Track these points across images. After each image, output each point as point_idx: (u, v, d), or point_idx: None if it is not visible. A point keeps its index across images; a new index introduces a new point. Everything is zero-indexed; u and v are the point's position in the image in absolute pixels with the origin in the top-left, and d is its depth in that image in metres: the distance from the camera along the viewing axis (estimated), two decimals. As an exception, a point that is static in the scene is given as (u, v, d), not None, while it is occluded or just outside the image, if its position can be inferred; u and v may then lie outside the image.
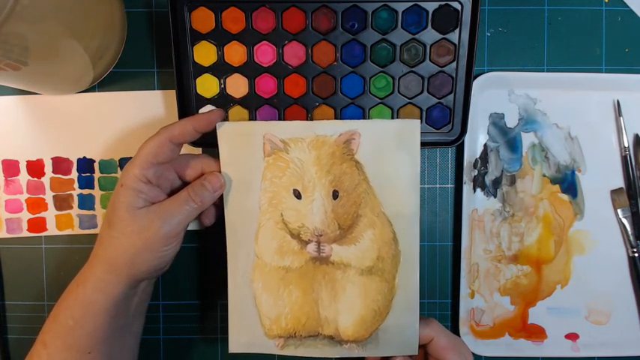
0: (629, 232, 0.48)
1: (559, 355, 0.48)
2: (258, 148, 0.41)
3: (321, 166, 0.40)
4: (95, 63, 0.44)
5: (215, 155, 0.41)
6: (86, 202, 0.49)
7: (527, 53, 0.48)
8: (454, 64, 0.43)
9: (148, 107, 0.48)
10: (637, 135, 0.48)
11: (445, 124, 0.45)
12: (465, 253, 0.47)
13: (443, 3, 0.42)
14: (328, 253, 0.41)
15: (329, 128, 0.40)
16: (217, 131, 0.40)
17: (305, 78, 0.44)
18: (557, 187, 0.48)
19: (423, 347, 0.42)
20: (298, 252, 0.42)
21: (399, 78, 0.44)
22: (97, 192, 0.49)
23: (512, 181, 0.48)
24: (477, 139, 0.48)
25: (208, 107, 0.45)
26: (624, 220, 0.48)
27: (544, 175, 0.48)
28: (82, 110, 0.48)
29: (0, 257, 0.49)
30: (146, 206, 0.38)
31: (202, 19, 0.43)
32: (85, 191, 0.49)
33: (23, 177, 0.48)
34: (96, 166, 0.48)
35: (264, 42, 0.44)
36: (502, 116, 0.48)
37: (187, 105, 0.44)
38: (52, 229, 0.49)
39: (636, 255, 0.48)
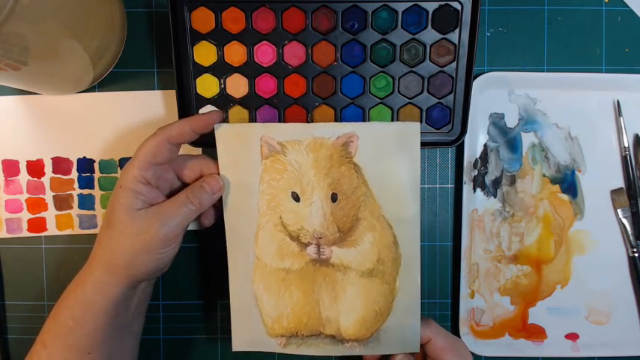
0: (629, 232, 0.48)
1: (559, 355, 0.48)
2: (255, 150, 0.41)
3: (319, 169, 0.40)
4: (95, 63, 0.44)
5: (215, 156, 0.41)
6: (86, 202, 0.49)
7: (527, 53, 0.48)
8: (454, 64, 0.43)
9: (148, 107, 0.48)
10: (637, 135, 0.48)
11: (445, 124, 0.45)
12: (465, 253, 0.47)
13: (443, 3, 0.42)
14: (328, 255, 0.41)
15: (327, 131, 0.40)
16: (215, 133, 0.40)
17: (305, 78, 0.44)
18: (557, 187, 0.48)
19: (421, 348, 0.42)
20: (298, 254, 0.42)
21: (399, 78, 0.44)
22: (97, 192, 0.49)
23: (512, 181, 0.48)
24: (476, 139, 0.48)
25: (208, 107, 0.44)
26: (624, 220, 0.48)
27: (544, 175, 0.48)
28: (82, 110, 0.48)
29: (0, 257, 0.49)
30: (144, 208, 0.38)
31: (202, 19, 0.43)
32: (85, 191, 0.49)
33: (23, 177, 0.48)
34: (96, 166, 0.48)
35: (264, 42, 0.44)
36: (502, 116, 0.48)
37: (187, 105, 0.44)
38: (52, 229, 0.49)
39: (636, 255, 0.48)
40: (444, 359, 0.40)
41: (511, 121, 0.48)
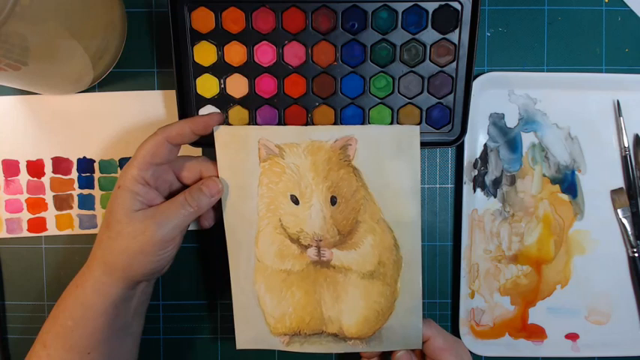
0: (629, 232, 0.48)
1: (559, 355, 0.48)
2: (253, 153, 0.40)
3: (317, 172, 0.40)
4: (95, 63, 0.44)
5: (214, 157, 0.41)
6: (86, 202, 0.49)
7: (527, 53, 0.48)
8: (454, 64, 0.43)
9: (148, 107, 0.48)
10: (637, 135, 0.48)
11: (445, 124, 0.45)
12: (465, 253, 0.47)
13: (443, 3, 0.42)
14: (329, 257, 0.41)
15: (325, 134, 0.40)
16: (215, 135, 0.40)
17: (305, 78, 0.44)
18: (557, 187, 0.48)
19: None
20: (299, 256, 0.42)
21: (399, 78, 0.44)
22: (97, 192, 0.49)
23: (512, 181, 0.48)
24: (477, 139, 0.48)
25: (208, 107, 0.44)
26: (624, 220, 0.48)
27: (544, 175, 0.48)
28: (82, 110, 0.48)
29: (0, 257, 0.49)
30: (143, 209, 0.38)
31: (202, 19, 0.43)
32: (85, 191, 0.49)
33: (23, 177, 0.48)
34: (96, 166, 0.48)
35: (264, 42, 0.43)
36: (502, 116, 0.48)
37: (187, 105, 0.44)
38: (52, 229, 0.49)
39: (636, 255, 0.48)
40: (443, 359, 0.40)
41: (511, 121, 0.48)
